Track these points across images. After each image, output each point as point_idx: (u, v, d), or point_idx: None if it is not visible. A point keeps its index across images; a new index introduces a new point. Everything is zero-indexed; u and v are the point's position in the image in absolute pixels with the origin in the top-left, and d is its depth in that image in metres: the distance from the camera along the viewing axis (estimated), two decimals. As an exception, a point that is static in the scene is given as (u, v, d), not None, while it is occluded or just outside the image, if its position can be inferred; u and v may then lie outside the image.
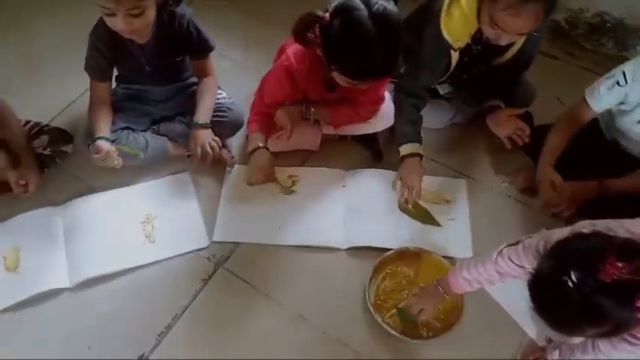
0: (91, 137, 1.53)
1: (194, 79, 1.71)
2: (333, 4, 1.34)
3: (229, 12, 2.12)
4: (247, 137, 1.67)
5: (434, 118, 1.76)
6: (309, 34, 1.39)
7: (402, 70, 1.62)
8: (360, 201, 1.63)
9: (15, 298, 1.42)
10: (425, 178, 1.60)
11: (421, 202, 1.60)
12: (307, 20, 1.37)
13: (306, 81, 1.53)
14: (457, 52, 1.48)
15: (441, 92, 1.74)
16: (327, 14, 1.35)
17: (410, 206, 1.59)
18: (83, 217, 1.57)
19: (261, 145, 1.58)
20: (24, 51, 2.00)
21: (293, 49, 1.50)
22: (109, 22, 1.38)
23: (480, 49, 1.51)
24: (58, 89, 1.87)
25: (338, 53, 1.36)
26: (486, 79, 1.63)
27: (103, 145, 1.48)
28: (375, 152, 1.74)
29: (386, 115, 1.68)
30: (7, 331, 1.39)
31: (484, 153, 1.76)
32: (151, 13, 1.39)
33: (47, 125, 1.66)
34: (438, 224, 1.57)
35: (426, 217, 1.59)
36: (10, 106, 1.57)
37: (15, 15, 2.13)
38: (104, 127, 1.54)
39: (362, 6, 1.31)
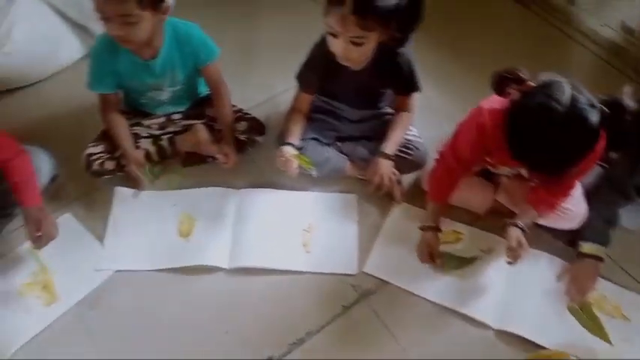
0: (282, 138, 1.63)
1: (388, 109, 1.73)
2: (541, 78, 1.22)
3: (430, 52, 2.10)
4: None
5: (633, 218, 1.57)
6: (508, 89, 1.28)
7: (614, 157, 1.47)
8: (524, 281, 1.51)
9: (179, 263, 1.54)
10: (605, 283, 1.43)
11: (594, 309, 1.44)
12: (505, 77, 1.28)
13: (495, 143, 1.44)
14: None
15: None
16: (530, 83, 1.23)
17: (580, 310, 1.44)
18: (254, 208, 1.66)
19: (432, 225, 1.53)
20: (245, 41, 2.17)
21: (489, 103, 1.40)
22: (331, 41, 1.43)
23: None
24: (263, 82, 2.00)
25: (512, 128, 1.21)
26: None
27: (287, 151, 1.56)
28: (569, 242, 1.58)
29: (578, 216, 1.51)
30: (162, 287, 1.51)
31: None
32: (370, 47, 1.42)
33: (247, 113, 1.78)
34: (608, 341, 1.40)
35: (597, 329, 1.41)
36: (229, 89, 1.71)
37: (247, 8, 2.32)
38: (296, 134, 1.62)
39: (565, 100, 1.13)
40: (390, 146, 1.60)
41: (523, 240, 1.41)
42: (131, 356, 1.40)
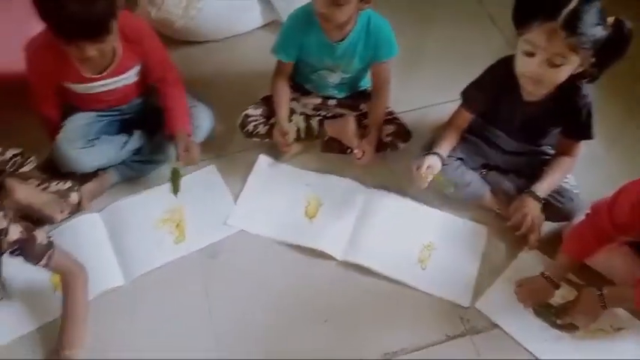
0: (428, 148, 1.60)
1: (548, 149, 1.62)
2: None
3: (607, 100, 1.90)
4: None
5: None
6: None
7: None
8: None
9: (299, 241, 1.59)
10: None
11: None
12: None
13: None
14: None
15: None
16: None
17: None
18: (380, 209, 1.65)
19: (554, 279, 1.43)
20: (414, 47, 2.12)
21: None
22: (524, 61, 1.33)
23: None
24: (421, 90, 1.97)
25: None
26: None
27: (430, 162, 1.52)
28: None
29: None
30: (277, 259, 1.57)
31: None
32: (565, 73, 1.32)
33: (397, 118, 1.77)
34: None
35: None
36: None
37: (423, 15, 2.27)
38: (445, 148, 1.59)
39: None
40: (543, 188, 1.50)
41: None
42: (235, 314, 1.47)
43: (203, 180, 1.72)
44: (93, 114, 1.67)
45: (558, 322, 1.43)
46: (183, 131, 1.62)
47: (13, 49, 1.54)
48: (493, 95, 1.51)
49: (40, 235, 1.32)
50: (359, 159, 1.69)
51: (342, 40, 1.59)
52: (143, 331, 1.45)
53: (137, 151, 1.71)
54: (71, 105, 1.65)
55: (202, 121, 1.71)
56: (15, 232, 1.26)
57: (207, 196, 1.70)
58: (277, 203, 1.68)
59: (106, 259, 1.56)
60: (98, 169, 1.67)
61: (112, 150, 1.66)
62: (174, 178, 1.61)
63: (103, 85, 1.57)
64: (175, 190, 1.60)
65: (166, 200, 1.64)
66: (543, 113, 1.47)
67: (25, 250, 1.29)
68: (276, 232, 1.61)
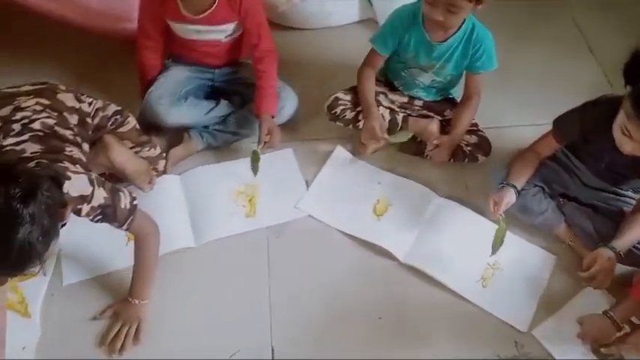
0: (507, 168, 1.59)
1: (630, 193, 1.58)
2: None
3: None
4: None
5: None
6: None
7: None
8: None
9: (365, 236, 1.61)
10: None
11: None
12: None
13: None
14: None
15: None
16: None
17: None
18: (448, 219, 1.66)
19: (618, 321, 1.39)
20: (503, 61, 2.02)
21: None
22: (620, 138, 1.31)
23: None
24: (503, 105, 1.94)
25: None
26: None
27: (509, 199, 1.51)
28: None
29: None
30: (341, 249, 1.60)
31: None
32: None
33: (481, 130, 1.77)
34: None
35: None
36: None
37: (522, 31, 2.25)
38: (523, 177, 1.56)
39: None
40: (624, 245, 1.43)
41: None
42: (292, 295, 1.51)
43: (279, 161, 1.78)
44: (185, 74, 1.76)
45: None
46: (268, 113, 1.67)
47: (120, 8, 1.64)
48: (588, 131, 1.47)
49: (124, 200, 1.29)
50: (431, 150, 1.70)
51: (443, 41, 1.60)
52: (203, 293, 1.52)
53: (222, 122, 1.78)
54: (171, 57, 1.77)
55: (287, 102, 1.77)
56: (99, 197, 1.22)
57: (282, 177, 1.75)
58: (347, 196, 1.71)
59: (180, 220, 1.64)
60: (185, 134, 1.76)
61: (196, 112, 1.75)
62: (254, 160, 1.68)
63: (197, 32, 1.65)
64: (254, 171, 1.68)
65: (243, 174, 1.71)
66: (634, 162, 1.41)
67: (107, 215, 1.26)
68: (343, 224, 1.64)
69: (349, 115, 1.75)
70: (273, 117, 1.69)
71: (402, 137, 1.78)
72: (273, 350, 1.42)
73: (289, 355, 1.41)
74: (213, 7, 1.59)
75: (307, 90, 1.91)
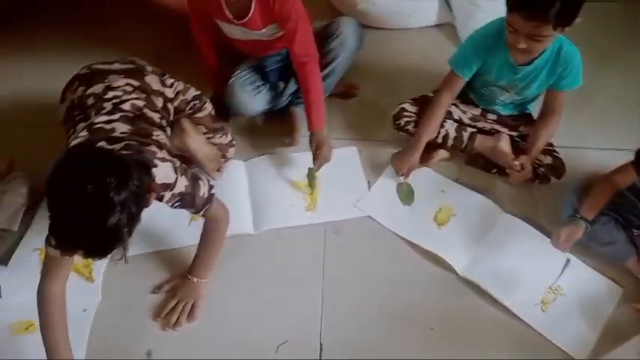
0: (576, 202, 1.54)
1: None
2: None
3: None
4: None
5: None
6: None
7: None
8: None
9: (424, 244, 1.58)
10: None
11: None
12: None
13: None
14: None
15: None
16: None
17: None
18: (510, 237, 1.60)
19: None
20: (588, 80, 1.89)
21: None
22: None
23: None
24: (583, 126, 1.86)
25: None
26: None
27: (575, 234, 1.45)
28: None
29: None
30: (398, 253, 1.58)
31: None
32: None
33: (557, 152, 1.70)
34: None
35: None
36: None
37: (616, 51, 2.16)
38: (595, 210, 1.49)
39: None
40: None
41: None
42: (346, 294, 1.51)
43: (343, 158, 1.77)
44: (255, 62, 1.80)
45: None
46: (317, 130, 1.66)
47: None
48: None
49: (203, 188, 1.33)
50: (518, 171, 1.62)
51: (528, 64, 1.54)
52: (257, 281, 1.54)
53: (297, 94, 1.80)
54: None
55: (348, 36, 1.79)
56: (181, 185, 1.25)
57: (344, 174, 1.74)
58: (410, 201, 1.69)
59: (242, 206, 1.66)
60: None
61: (271, 96, 1.79)
62: (309, 177, 1.69)
63: (243, 32, 1.64)
64: (311, 187, 1.69)
65: (307, 167, 1.71)
66: None
67: (186, 202, 1.29)
68: (402, 229, 1.62)
69: (412, 129, 1.72)
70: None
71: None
72: (321, 347, 1.42)
73: (337, 354, 1.41)
74: (250, 14, 1.57)
75: (377, 91, 1.90)
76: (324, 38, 1.78)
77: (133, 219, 1.05)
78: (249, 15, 1.57)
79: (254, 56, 1.80)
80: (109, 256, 1.07)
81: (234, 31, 1.66)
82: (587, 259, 1.56)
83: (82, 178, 0.98)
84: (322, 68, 1.74)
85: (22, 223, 1.61)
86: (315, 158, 1.67)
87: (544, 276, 1.53)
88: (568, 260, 1.51)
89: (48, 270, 1.25)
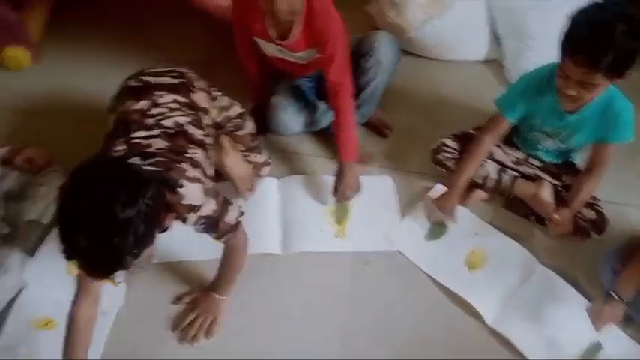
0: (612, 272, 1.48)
1: None
2: None
3: None
4: None
5: None
6: None
7: None
8: None
9: (454, 287, 1.53)
10: None
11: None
12: None
13: None
14: None
15: None
16: None
17: None
18: (545, 291, 1.54)
19: None
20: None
21: None
22: None
23: None
24: (630, 182, 1.79)
25: None
26: None
27: (612, 317, 1.41)
28: None
29: None
30: (427, 293, 1.54)
31: None
32: None
33: (601, 208, 1.63)
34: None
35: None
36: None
37: None
38: (635, 287, 1.42)
39: None
40: None
41: None
42: (369, 327, 1.47)
43: (377, 187, 1.74)
44: (297, 81, 1.76)
45: None
46: (349, 163, 1.62)
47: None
48: None
49: (232, 214, 1.28)
50: (557, 224, 1.57)
51: (575, 112, 1.49)
52: (278, 302, 1.51)
53: None
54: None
55: (386, 50, 1.73)
56: (208, 208, 1.22)
57: (376, 203, 1.71)
58: (441, 239, 1.64)
59: (271, 224, 1.64)
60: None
61: (313, 118, 1.76)
62: (340, 212, 1.67)
63: (280, 52, 1.61)
64: (338, 222, 1.66)
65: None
66: None
67: (210, 226, 1.26)
68: (431, 267, 1.58)
69: (452, 165, 1.68)
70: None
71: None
72: (337, 380, 1.38)
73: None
74: (294, 35, 1.53)
75: (417, 122, 1.86)
76: (358, 56, 1.73)
77: (141, 240, 0.99)
78: (293, 36, 1.54)
79: (289, 75, 1.77)
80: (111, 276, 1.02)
81: (269, 49, 1.64)
82: (627, 329, 1.49)
83: (93, 187, 0.96)
84: (359, 92, 1.72)
85: (54, 217, 1.62)
86: (335, 192, 1.64)
87: (578, 337, 1.45)
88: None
89: (80, 285, 1.26)
